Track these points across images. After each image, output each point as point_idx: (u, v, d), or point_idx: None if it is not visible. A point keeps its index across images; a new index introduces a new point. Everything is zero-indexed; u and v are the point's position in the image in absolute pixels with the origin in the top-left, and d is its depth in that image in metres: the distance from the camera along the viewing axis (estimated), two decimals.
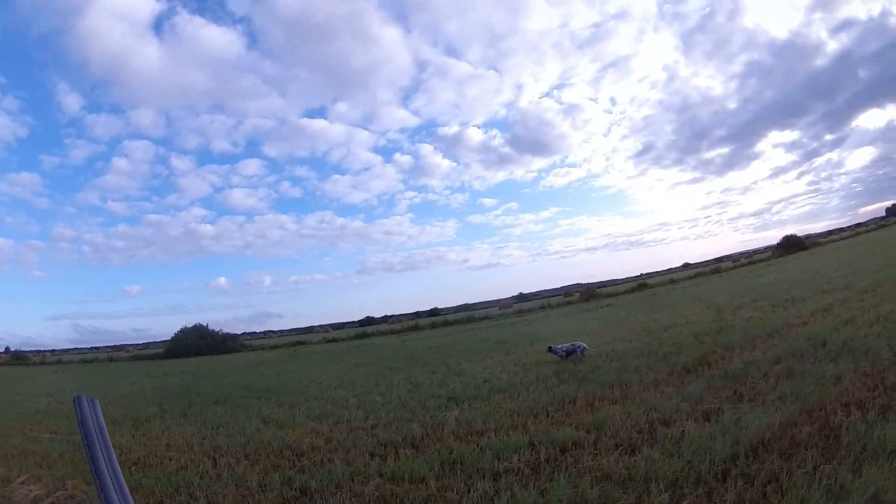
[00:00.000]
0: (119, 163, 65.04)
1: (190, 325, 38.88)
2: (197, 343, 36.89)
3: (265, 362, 21.84)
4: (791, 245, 45.10)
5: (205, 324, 38.83)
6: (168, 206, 72.90)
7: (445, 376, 9.85)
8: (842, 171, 76.10)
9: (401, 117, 75.35)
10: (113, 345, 51.83)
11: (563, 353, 9.16)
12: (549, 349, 9.45)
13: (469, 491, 3.80)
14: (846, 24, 72.38)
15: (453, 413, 6.63)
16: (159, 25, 70.45)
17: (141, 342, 49.56)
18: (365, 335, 32.73)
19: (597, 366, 8.13)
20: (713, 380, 5.96)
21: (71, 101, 64.07)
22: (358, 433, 6.31)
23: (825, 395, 4.65)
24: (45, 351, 50.13)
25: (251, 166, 69.66)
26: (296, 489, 4.43)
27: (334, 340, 31.64)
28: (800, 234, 49.21)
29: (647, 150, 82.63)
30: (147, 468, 5.91)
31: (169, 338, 39.86)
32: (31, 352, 46.81)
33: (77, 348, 52.20)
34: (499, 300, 52.93)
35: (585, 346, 9.32)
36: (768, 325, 9.48)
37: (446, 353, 14.01)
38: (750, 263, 42.58)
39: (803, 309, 10.61)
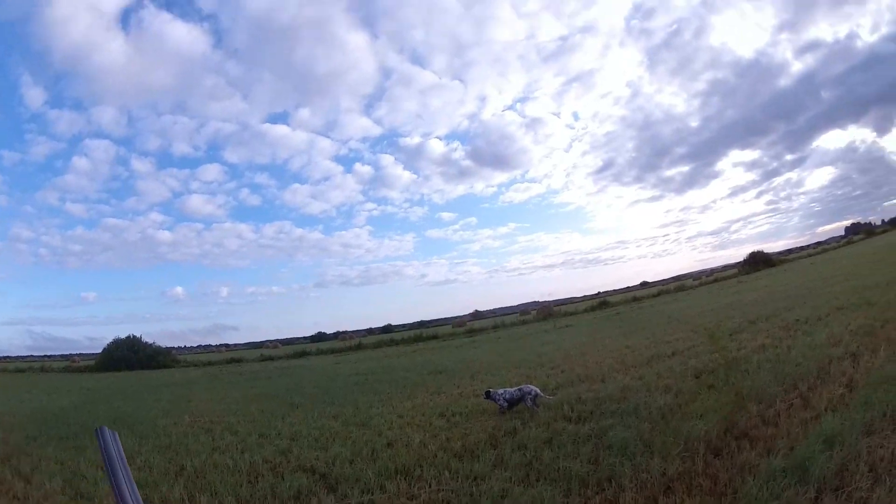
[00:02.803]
0: (79, 162, 59.96)
1: (122, 337, 34.94)
2: (128, 356, 32.93)
3: (181, 383, 18.54)
4: (758, 261, 43.27)
5: (139, 335, 34.88)
6: (126, 209, 65.83)
7: (343, 427, 6.82)
8: (801, 190, 76.06)
9: (363, 126, 70.15)
10: (66, 353, 48.06)
11: (505, 404, 6.23)
12: (487, 395, 6.49)
13: None
14: (812, 46, 72.68)
15: None
16: (126, 18, 66.91)
17: (95, 352, 44.48)
18: (304, 353, 29.37)
19: (556, 431, 5.12)
20: (775, 482, 3.10)
21: (34, 95, 58.98)
22: None
23: None
24: None
25: (211, 171, 64.27)
26: None
27: (270, 359, 28.02)
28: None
29: (607, 166, 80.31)
30: None
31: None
32: None
33: (31, 356, 47.63)
34: (454, 317, 49.66)
35: (538, 391, 6.35)
36: (800, 357, 6.74)
37: (368, 386, 10.94)
38: (716, 281, 40.53)
39: (833, 333, 7.95)
